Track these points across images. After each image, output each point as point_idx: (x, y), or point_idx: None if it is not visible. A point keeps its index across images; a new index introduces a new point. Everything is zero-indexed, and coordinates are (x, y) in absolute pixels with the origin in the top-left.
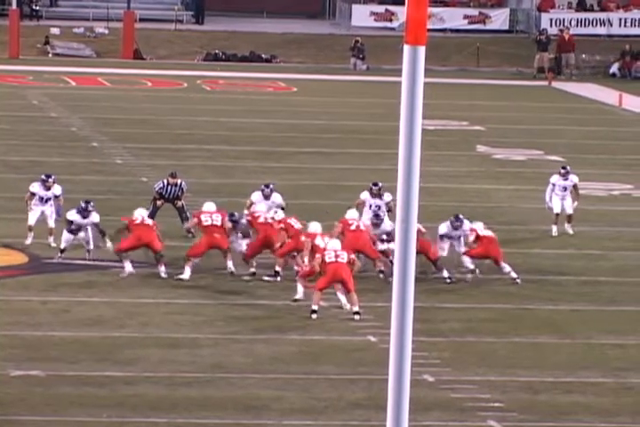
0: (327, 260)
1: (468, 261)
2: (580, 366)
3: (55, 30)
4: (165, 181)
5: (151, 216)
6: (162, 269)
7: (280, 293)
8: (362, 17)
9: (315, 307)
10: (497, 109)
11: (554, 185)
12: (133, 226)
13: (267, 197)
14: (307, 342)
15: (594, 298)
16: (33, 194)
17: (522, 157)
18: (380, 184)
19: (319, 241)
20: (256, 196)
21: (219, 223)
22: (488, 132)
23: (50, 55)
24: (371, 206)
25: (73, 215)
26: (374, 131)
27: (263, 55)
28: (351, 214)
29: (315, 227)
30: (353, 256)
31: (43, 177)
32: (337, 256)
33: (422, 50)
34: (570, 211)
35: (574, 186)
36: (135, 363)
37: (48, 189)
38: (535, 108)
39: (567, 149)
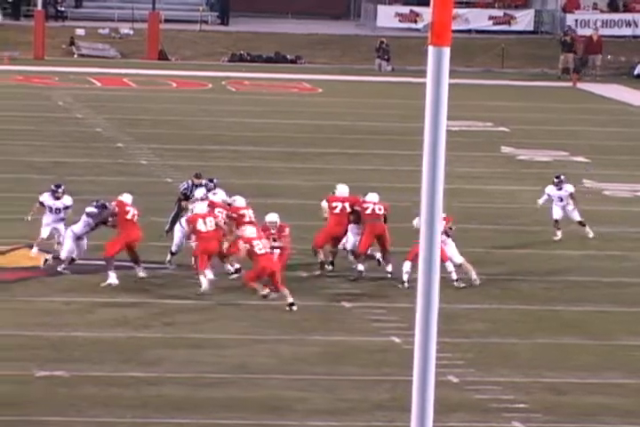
0: (257, 251)
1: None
2: (605, 367)
3: (80, 31)
4: (190, 182)
5: (175, 217)
6: (140, 267)
7: (303, 294)
8: (387, 18)
9: (264, 291)
10: (521, 110)
11: (549, 195)
12: (124, 221)
13: (209, 191)
14: (330, 343)
15: (618, 299)
16: (42, 204)
17: (546, 158)
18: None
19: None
20: (200, 192)
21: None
22: (512, 133)
23: (75, 56)
24: None
25: (45, 198)
26: (399, 132)
27: (288, 56)
28: (341, 190)
29: (250, 231)
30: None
31: (52, 187)
32: (265, 247)
33: (447, 51)
34: (577, 218)
35: (570, 195)
36: (159, 364)
37: (58, 199)
38: (560, 109)
39: (591, 150)
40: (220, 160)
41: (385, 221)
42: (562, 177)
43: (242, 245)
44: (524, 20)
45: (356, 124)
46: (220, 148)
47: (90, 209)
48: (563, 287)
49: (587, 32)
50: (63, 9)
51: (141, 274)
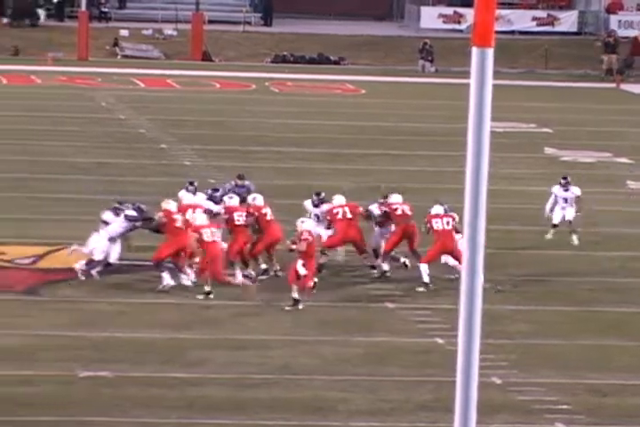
0: (205, 239)
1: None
2: None
3: (124, 32)
4: (233, 183)
5: None
6: (184, 276)
7: (346, 295)
8: (430, 19)
9: (208, 288)
10: (565, 111)
11: (556, 196)
12: (173, 229)
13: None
14: (373, 344)
15: None
16: (106, 223)
17: (590, 160)
18: (323, 194)
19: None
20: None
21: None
22: (556, 135)
23: (118, 57)
24: (312, 215)
25: (108, 217)
26: (442, 133)
27: (331, 57)
28: (338, 200)
29: (201, 219)
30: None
31: (115, 205)
32: (213, 234)
33: (490, 52)
34: (569, 217)
35: (577, 197)
36: (202, 365)
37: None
38: (603, 111)
39: (635, 152)
40: (264, 161)
41: None
42: (568, 178)
43: (191, 235)
44: (567, 21)
45: (400, 126)
46: (264, 149)
47: (129, 212)
48: (604, 289)
49: (630, 33)
50: (107, 10)
51: (186, 282)
